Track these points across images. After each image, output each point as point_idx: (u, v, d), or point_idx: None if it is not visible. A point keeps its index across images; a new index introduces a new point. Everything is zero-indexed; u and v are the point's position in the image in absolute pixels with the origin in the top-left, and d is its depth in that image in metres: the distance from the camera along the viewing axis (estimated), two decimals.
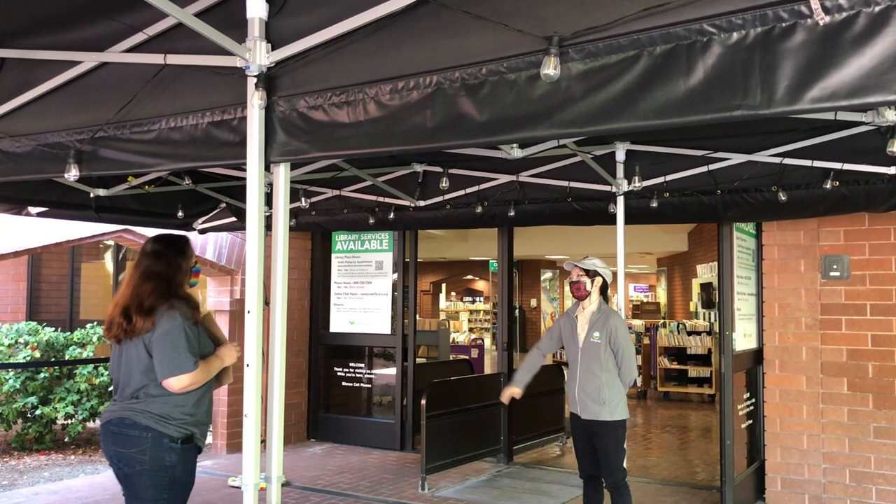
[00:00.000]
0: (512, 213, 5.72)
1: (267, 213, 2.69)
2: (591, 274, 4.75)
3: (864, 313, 5.57)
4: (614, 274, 5.03)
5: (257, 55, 2.59)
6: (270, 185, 2.82)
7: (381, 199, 6.13)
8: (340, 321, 8.65)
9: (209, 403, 3.44)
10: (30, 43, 3.22)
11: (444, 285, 29.35)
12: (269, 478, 2.66)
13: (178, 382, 3.15)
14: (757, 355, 6.08)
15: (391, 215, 6.21)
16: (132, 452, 3.18)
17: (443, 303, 29.07)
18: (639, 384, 12.99)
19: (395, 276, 8.43)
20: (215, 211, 6.81)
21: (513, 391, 4.99)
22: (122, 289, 3.37)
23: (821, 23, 1.80)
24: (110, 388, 8.03)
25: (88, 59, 3.10)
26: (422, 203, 5.97)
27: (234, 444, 7.89)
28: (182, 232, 7.13)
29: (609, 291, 4.92)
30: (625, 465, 4.77)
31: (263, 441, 2.61)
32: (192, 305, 3.30)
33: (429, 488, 6.47)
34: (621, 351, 4.62)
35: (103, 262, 10.59)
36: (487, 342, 20.37)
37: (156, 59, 2.88)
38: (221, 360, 3.43)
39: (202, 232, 7.07)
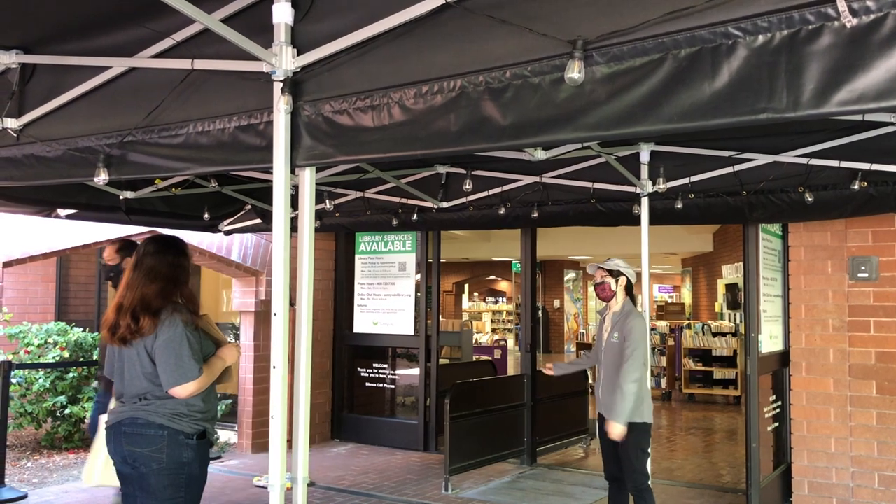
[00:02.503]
0: (535, 215, 5.71)
1: (292, 215, 2.71)
2: (615, 274, 4.75)
3: (894, 315, 5.49)
4: (638, 274, 5.02)
5: (283, 60, 2.62)
6: (296, 186, 2.85)
7: (404, 200, 6.15)
8: (364, 322, 8.69)
9: (216, 399, 3.50)
10: (60, 49, 3.27)
11: (466, 286, 29.35)
12: (294, 478, 2.68)
13: (184, 391, 3.19)
14: (783, 357, 6.02)
15: (414, 216, 6.23)
16: (149, 451, 3.20)
17: (465, 303, 29.08)
18: (663, 385, 12.91)
19: (418, 276, 8.45)
20: (241, 213, 6.88)
21: (549, 367, 5.25)
22: (122, 290, 3.36)
23: (848, 25, 1.79)
24: None
25: (117, 65, 3.15)
26: (445, 204, 5.99)
27: (259, 444, 7.96)
28: (208, 233, 7.22)
29: (634, 291, 4.91)
30: (649, 467, 4.75)
31: (289, 441, 2.64)
32: (192, 310, 3.34)
33: (452, 489, 6.48)
34: (629, 348, 4.53)
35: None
36: (510, 343, 20.35)
37: (183, 64, 2.92)
38: (223, 361, 3.44)
39: (228, 233, 7.15)
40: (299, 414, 2.71)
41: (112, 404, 3.50)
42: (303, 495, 2.68)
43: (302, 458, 2.69)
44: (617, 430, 4.45)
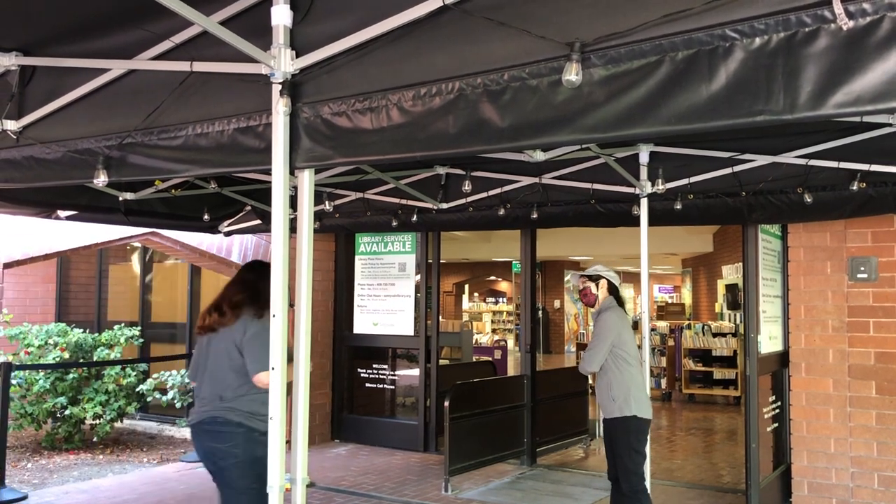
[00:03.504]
0: (535, 216, 5.72)
1: (291, 216, 2.72)
2: (595, 279, 4.82)
3: (893, 315, 5.50)
4: (637, 275, 5.03)
5: (282, 62, 2.62)
6: (295, 188, 2.86)
7: (403, 201, 6.16)
8: (364, 322, 8.70)
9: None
10: (60, 51, 3.28)
11: (466, 286, 29.35)
12: (293, 479, 2.68)
13: (266, 377, 3.20)
14: (783, 358, 6.03)
15: (414, 217, 6.24)
16: (227, 447, 3.55)
17: (465, 304, 29.08)
18: (663, 385, 12.92)
19: (418, 277, 8.46)
20: (240, 214, 6.88)
21: None
22: (223, 292, 3.87)
23: (844, 28, 1.79)
24: (138, 389, 8.17)
25: (117, 67, 3.16)
26: (444, 205, 6.00)
27: None
28: (207, 234, 7.23)
29: (624, 292, 4.95)
30: (648, 468, 4.75)
31: (288, 442, 2.64)
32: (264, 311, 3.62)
33: (452, 490, 6.49)
34: (592, 339, 4.69)
35: (130, 264, 10.72)
36: (510, 343, 20.35)
37: (182, 66, 2.93)
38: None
39: (228, 234, 7.16)
40: (298, 415, 2.71)
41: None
42: (302, 496, 2.68)
43: (301, 459, 2.70)
44: None
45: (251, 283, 3.79)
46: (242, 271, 3.97)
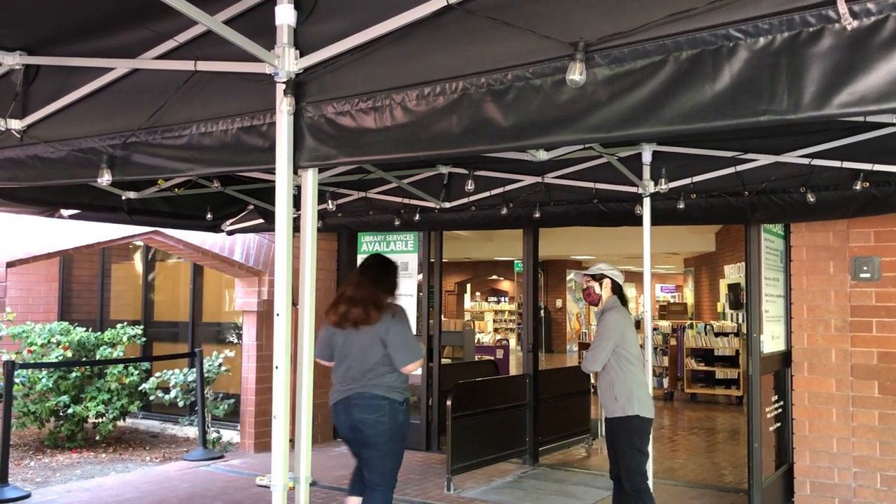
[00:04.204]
0: (537, 215, 5.71)
1: (294, 216, 2.72)
2: (598, 278, 4.80)
3: None
4: (640, 274, 5.02)
5: (286, 62, 2.63)
6: (298, 187, 2.86)
7: (406, 200, 6.15)
8: None
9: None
10: (64, 50, 3.28)
11: (468, 285, 29.35)
12: (297, 478, 2.69)
13: (414, 366, 4.31)
14: (785, 357, 6.03)
15: (416, 217, 6.23)
16: (376, 417, 4.25)
17: (467, 303, 29.08)
18: (665, 385, 12.91)
19: (421, 276, 8.46)
20: (243, 213, 6.88)
21: None
22: (353, 288, 4.46)
23: (849, 27, 1.79)
24: (140, 388, 8.18)
25: (121, 66, 3.16)
26: (447, 205, 5.99)
27: (262, 444, 7.97)
28: (210, 233, 7.24)
29: (627, 291, 4.93)
30: (650, 467, 4.75)
31: (291, 441, 2.65)
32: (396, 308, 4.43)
33: (454, 489, 6.49)
34: (596, 338, 4.67)
35: (133, 263, 10.73)
36: (512, 343, 20.35)
37: (186, 65, 2.93)
38: None
39: (230, 233, 7.16)
40: (302, 414, 2.71)
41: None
42: (305, 495, 2.68)
43: (305, 458, 2.70)
44: None
45: (389, 284, 4.51)
46: (378, 269, 4.53)
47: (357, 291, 4.42)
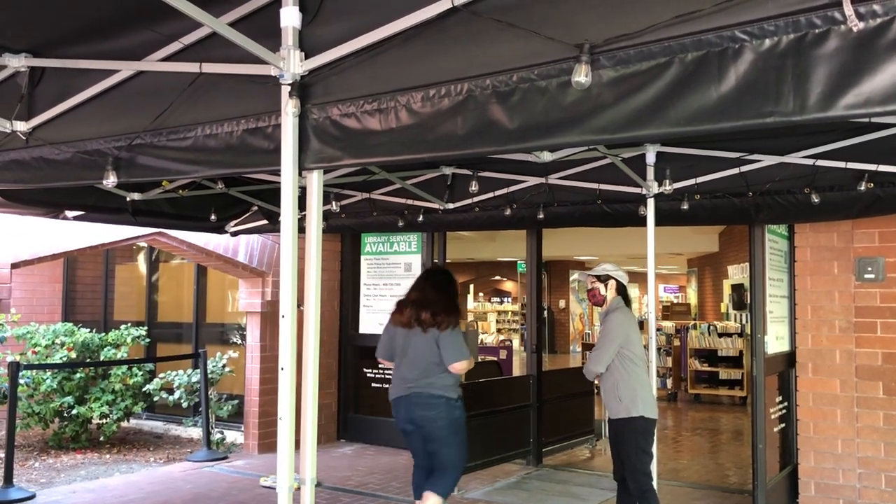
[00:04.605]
0: (541, 216, 5.72)
1: (299, 216, 2.73)
2: (603, 279, 4.79)
3: None
4: (644, 275, 5.02)
5: (291, 64, 2.63)
6: (302, 188, 2.87)
7: (410, 201, 6.16)
8: (370, 322, 8.71)
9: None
10: (69, 52, 3.29)
11: (471, 286, 29.34)
12: (302, 479, 2.69)
13: (459, 365, 4.70)
14: (789, 358, 6.02)
15: (420, 217, 6.24)
16: (434, 413, 4.70)
17: (470, 303, 29.07)
18: (668, 385, 12.90)
19: None
20: (247, 214, 6.90)
21: None
22: (420, 293, 4.91)
23: (854, 29, 1.80)
24: (144, 389, 8.19)
25: (126, 68, 3.17)
26: (450, 205, 6.00)
27: (265, 445, 7.98)
28: (214, 234, 7.25)
29: (630, 291, 4.93)
30: (654, 468, 4.75)
31: (296, 442, 2.65)
32: (460, 319, 4.90)
33: (458, 490, 6.48)
34: (600, 340, 4.68)
35: (136, 264, 10.74)
36: (516, 343, 20.34)
37: (191, 67, 2.94)
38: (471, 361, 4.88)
39: (234, 234, 7.18)
40: (307, 415, 2.72)
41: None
42: (311, 496, 2.69)
43: (310, 460, 2.70)
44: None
45: (453, 293, 4.98)
46: (443, 279, 5.03)
47: (423, 297, 4.87)
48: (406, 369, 4.81)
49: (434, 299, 4.82)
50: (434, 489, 4.79)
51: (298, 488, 2.69)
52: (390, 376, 8.66)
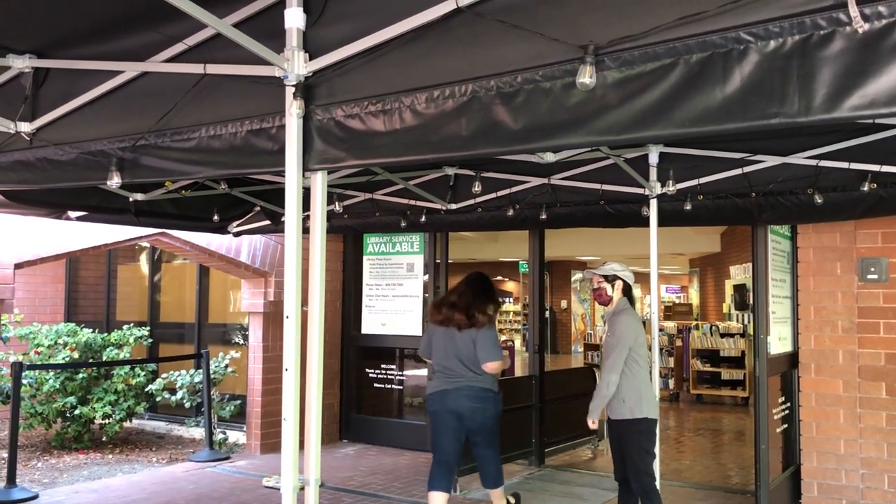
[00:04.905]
0: (543, 216, 5.72)
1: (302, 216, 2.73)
2: (611, 279, 4.77)
3: None
4: (646, 275, 5.02)
5: (295, 65, 2.64)
6: (306, 189, 2.87)
7: (412, 201, 6.16)
8: (372, 323, 8.71)
9: None
10: (73, 53, 3.30)
11: None
12: (307, 480, 2.70)
13: (493, 365, 5.08)
14: (792, 359, 6.01)
15: (422, 218, 6.24)
16: (483, 405, 5.13)
17: None
18: (671, 385, 12.90)
19: (426, 277, 8.46)
20: (249, 214, 6.90)
21: None
22: (457, 296, 5.27)
23: (860, 30, 1.80)
24: (147, 389, 8.20)
25: (130, 69, 3.17)
26: (453, 206, 6.00)
27: (268, 445, 7.98)
28: (217, 234, 7.25)
29: (634, 292, 4.92)
30: (657, 468, 4.75)
31: (299, 442, 2.65)
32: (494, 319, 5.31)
33: (460, 490, 6.49)
34: (613, 346, 4.62)
35: (139, 265, 10.75)
36: (518, 343, 20.33)
37: (196, 68, 2.94)
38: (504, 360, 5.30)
39: (237, 235, 7.18)
40: (311, 416, 2.72)
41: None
42: (315, 497, 2.69)
43: (314, 460, 2.71)
44: (589, 422, 4.79)
45: (489, 296, 5.33)
46: (481, 283, 5.38)
47: (459, 300, 5.24)
48: (452, 364, 5.13)
49: (469, 302, 5.18)
50: (494, 485, 5.36)
51: (302, 488, 2.69)
52: (392, 377, 8.77)
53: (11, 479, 6.28)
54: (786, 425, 6.10)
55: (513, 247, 17.64)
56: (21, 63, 3.36)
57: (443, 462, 5.17)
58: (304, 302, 2.75)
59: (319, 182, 2.77)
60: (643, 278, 8.88)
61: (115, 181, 3.25)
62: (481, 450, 5.32)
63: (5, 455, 6.60)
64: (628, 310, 4.73)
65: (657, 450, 4.76)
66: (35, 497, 6.27)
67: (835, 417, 5.68)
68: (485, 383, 5.13)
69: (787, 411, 6.11)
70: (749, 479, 6.99)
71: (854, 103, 1.82)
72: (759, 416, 5.58)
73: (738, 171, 4.91)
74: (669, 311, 20.46)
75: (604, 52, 2.13)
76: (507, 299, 30.00)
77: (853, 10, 1.79)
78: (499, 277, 28.93)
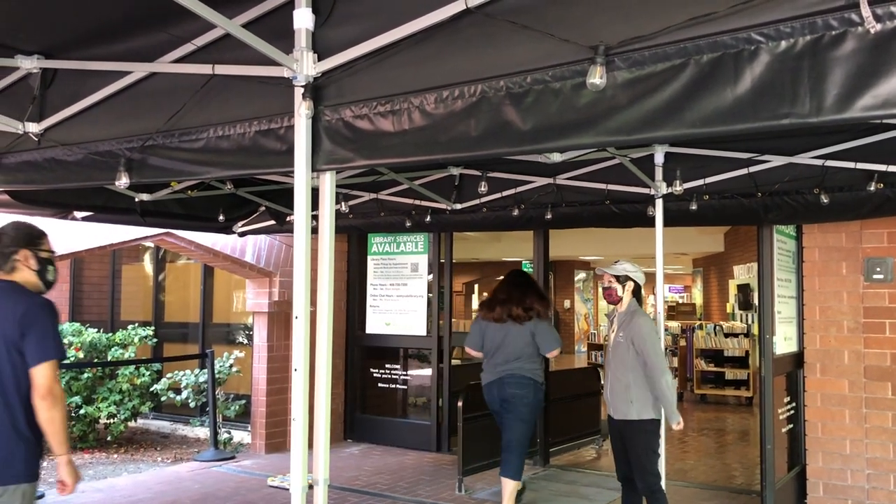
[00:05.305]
0: (549, 216, 5.72)
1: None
2: (622, 279, 4.75)
3: None
4: (653, 276, 5.02)
5: (304, 65, 2.64)
6: (313, 189, 2.87)
7: (417, 202, 6.16)
8: (376, 323, 8.72)
9: None
10: (81, 54, 3.31)
11: (476, 286, 29.33)
12: (315, 480, 2.70)
13: (556, 352, 5.70)
14: (797, 359, 6.01)
15: (428, 218, 6.24)
16: (524, 392, 5.50)
17: (475, 303, 29.05)
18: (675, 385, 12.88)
19: (431, 277, 8.47)
20: (254, 214, 6.91)
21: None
22: (507, 293, 5.68)
23: (872, 31, 1.80)
24: (151, 389, 8.21)
25: (138, 70, 3.18)
26: (458, 206, 6.00)
27: (272, 445, 7.98)
28: (222, 234, 7.26)
29: (643, 293, 4.91)
30: (661, 468, 4.75)
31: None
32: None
33: (465, 490, 6.49)
34: (645, 351, 4.58)
35: (143, 265, 10.76)
36: None
37: (204, 69, 2.95)
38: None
39: (242, 235, 7.18)
40: (319, 416, 2.73)
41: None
42: (324, 496, 2.70)
43: (323, 460, 2.71)
44: (675, 425, 4.61)
45: (539, 291, 5.79)
46: (519, 279, 5.81)
47: (510, 296, 5.63)
48: (500, 357, 5.54)
49: (521, 296, 5.59)
50: (509, 475, 5.54)
51: (310, 487, 2.69)
52: (396, 376, 8.77)
53: None
54: (791, 425, 6.09)
55: (515, 247, 17.63)
56: (29, 64, 3.37)
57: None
58: (312, 302, 2.75)
59: (328, 182, 2.78)
60: (647, 278, 8.86)
61: (123, 181, 3.25)
62: (506, 434, 5.63)
63: None
64: (640, 310, 4.73)
65: (662, 450, 4.76)
66: (41, 496, 6.28)
67: (840, 417, 5.68)
68: (529, 373, 5.54)
69: (792, 411, 6.11)
70: (753, 479, 6.99)
71: (866, 103, 1.82)
72: (764, 417, 5.58)
73: (743, 171, 4.90)
74: (672, 311, 20.44)
75: (614, 53, 2.13)
76: None
77: (865, 11, 1.79)
78: (501, 277, 28.91)
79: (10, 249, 3.15)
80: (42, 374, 2.97)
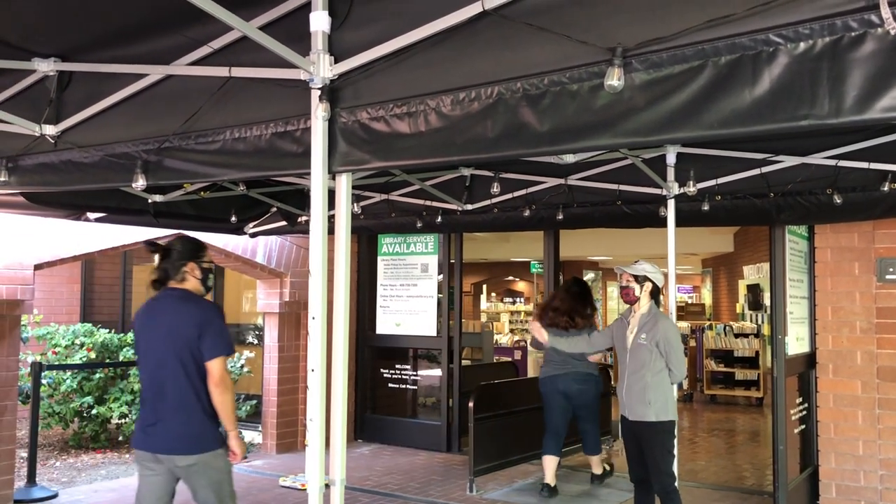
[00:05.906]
0: (560, 217, 5.72)
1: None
2: (640, 280, 4.73)
3: None
4: (664, 276, 5.01)
5: (321, 68, 2.65)
6: (329, 190, 2.88)
7: (428, 202, 6.17)
8: (386, 323, 8.73)
9: None
10: (97, 57, 3.33)
11: (485, 286, 29.32)
12: (332, 480, 2.71)
13: (595, 357, 6.26)
14: (809, 359, 5.99)
15: (438, 219, 6.25)
16: (587, 387, 6.31)
17: (483, 304, 29.03)
18: (685, 386, 12.85)
19: (441, 277, 8.47)
20: (266, 215, 6.93)
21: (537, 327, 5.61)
22: (560, 301, 6.35)
23: (892, 32, 1.80)
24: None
25: (154, 72, 3.20)
26: (469, 206, 6.01)
27: (284, 445, 8.01)
28: (233, 235, 7.28)
29: (661, 295, 4.90)
30: (675, 469, 4.75)
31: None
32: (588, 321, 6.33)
33: (477, 490, 6.50)
34: (672, 353, 4.59)
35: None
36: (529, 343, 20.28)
37: (221, 71, 2.96)
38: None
39: (253, 236, 7.21)
40: (336, 416, 2.73)
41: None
42: (340, 496, 2.71)
43: (339, 460, 2.72)
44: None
45: (588, 299, 6.41)
46: (574, 288, 6.44)
47: (563, 304, 6.28)
48: (561, 355, 6.14)
49: (570, 308, 6.25)
50: (593, 452, 6.58)
51: (327, 487, 2.71)
52: (406, 377, 8.79)
53: (32, 478, 6.33)
54: (803, 426, 6.08)
55: (524, 247, 17.63)
56: (46, 66, 3.39)
57: (553, 433, 6.30)
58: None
59: (344, 184, 2.79)
60: None
61: (140, 183, 3.27)
62: (585, 424, 6.44)
63: (25, 454, 6.65)
64: (663, 314, 4.74)
65: (675, 450, 4.77)
66: (55, 496, 6.33)
67: (853, 418, 5.66)
68: (588, 368, 6.29)
69: (804, 412, 6.09)
70: (764, 479, 6.97)
71: (886, 104, 1.82)
72: (776, 417, 5.56)
73: (756, 172, 4.90)
74: (682, 311, 20.39)
75: (632, 55, 2.14)
76: (517, 299, 30.00)
77: (885, 12, 1.79)
78: (510, 277, 28.94)
79: (181, 262, 3.73)
80: (217, 367, 3.55)
